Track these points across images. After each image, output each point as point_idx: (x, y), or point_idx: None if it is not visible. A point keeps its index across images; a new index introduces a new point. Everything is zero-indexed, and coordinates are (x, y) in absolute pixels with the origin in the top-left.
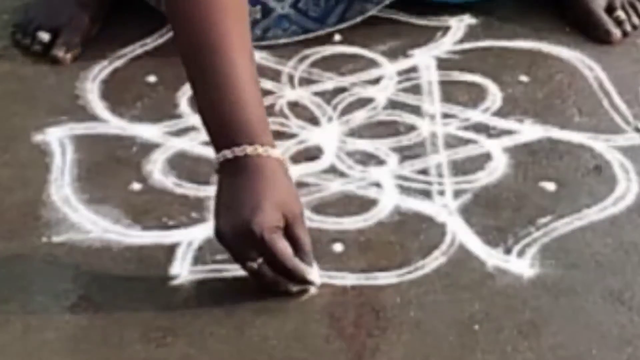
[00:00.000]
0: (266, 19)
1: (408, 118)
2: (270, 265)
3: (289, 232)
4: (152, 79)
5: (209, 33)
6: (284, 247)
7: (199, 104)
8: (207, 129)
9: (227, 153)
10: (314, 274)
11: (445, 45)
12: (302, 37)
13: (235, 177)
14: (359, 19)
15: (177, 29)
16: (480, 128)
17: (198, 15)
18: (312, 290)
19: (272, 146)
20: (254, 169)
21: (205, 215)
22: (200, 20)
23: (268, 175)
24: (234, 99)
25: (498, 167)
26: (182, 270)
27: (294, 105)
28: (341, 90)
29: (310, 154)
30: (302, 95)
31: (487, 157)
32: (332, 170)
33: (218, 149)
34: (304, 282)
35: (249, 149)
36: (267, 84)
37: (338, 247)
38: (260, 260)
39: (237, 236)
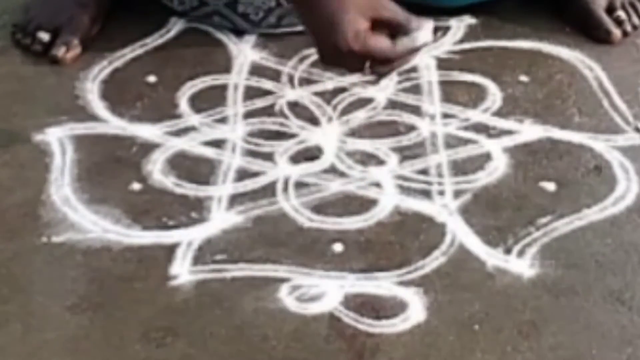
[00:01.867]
0: (281, 6)
1: (408, 118)
2: (383, 62)
3: (380, 22)
4: (152, 79)
5: None
6: (379, 44)
7: None
8: None
9: None
10: (421, 36)
11: (445, 45)
12: None
13: (306, 5)
14: None
15: None
16: (480, 128)
17: None
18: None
19: None
20: None
21: (205, 215)
22: None
23: None
24: None
25: (498, 167)
26: (182, 270)
27: (294, 105)
28: (341, 90)
29: (310, 154)
30: (302, 95)
31: (487, 157)
32: (332, 170)
33: None
34: (417, 50)
35: None
36: (267, 84)
37: (338, 247)
38: (367, 64)
39: (334, 57)
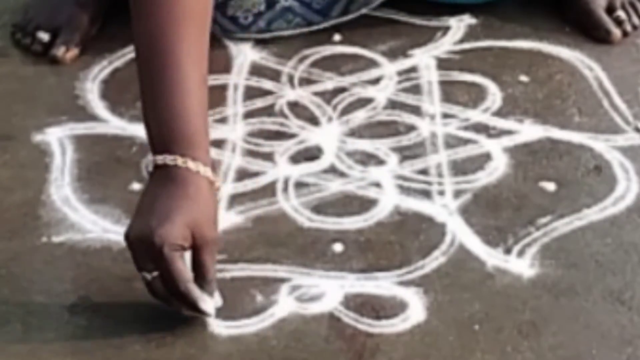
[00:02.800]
0: (270, 11)
1: (408, 118)
2: (163, 283)
3: (195, 256)
4: None
5: (166, 35)
6: (181, 267)
7: (143, 104)
8: (147, 130)
9: (158, 158)
10: (209, 304)
11: (445, 45)
12: (305, 29)
13: (159, 184)
14: (364, 10)
15: (135, 24)
16: (480, 128)
17: (158, 14)
18: (209, 319)
19: (205, 164)
20: (178, 181)
21: None
22: (159, 19)
23: (190, 192)
24: (177, 108)
25: (498, 167)
26: None
27: (294, 105)
28: (341, 90)
29: (310, 154)
30: (302, 95)
31: (487, 157)
32: (332, 170)
33: (152, 149)
34: (196, 309)
35: (179, 160)
36: (267, 84)
37: (338, 247)
38: (155, 274)
39: (139, 242)
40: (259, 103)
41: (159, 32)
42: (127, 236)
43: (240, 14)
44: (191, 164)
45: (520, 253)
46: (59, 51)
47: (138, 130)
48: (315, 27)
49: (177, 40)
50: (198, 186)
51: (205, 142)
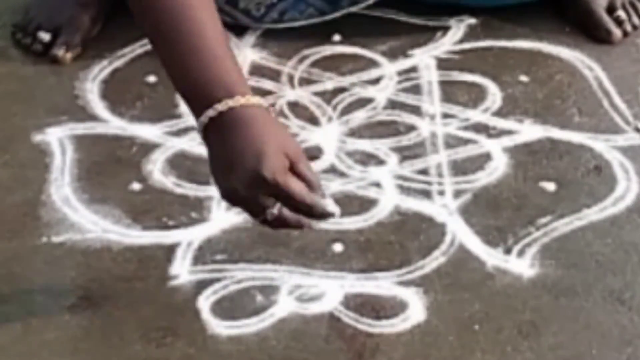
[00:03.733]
0: (283, 2)
1: (408, 118)
2: (289, 207)
3: (295, 172)
4: (152, 79)
5: (176, 4)
6: (299, 186)
7: (170, 71)
8: (183, 95)
9: (210, 112)
10: (332, 205)
11: (445, 45)
12: (318, 19)
13: (226, 132)
14: (371, 1)
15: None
16: (480, 128)
17: None
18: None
19: (251, 94)
20: (243, 119)
21: (205, 215)
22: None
23: (258, 122)
24: (204, 57)
25: (498, 167)
26: (182, 270)
27: (294, 105)
28: (341, 90)
29: (310, 154)
30: (302, 95)
31: (487, 157)
32: (332, 170)
33: (199, 112)
34: (324, 216)
35: (230, 102)
36: (267, 84)
37: (338, 247)
38: (278, 205)
39: (249, 188)
40: None
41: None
42: (231, 193)
43: (253, 6)
44: (242, 100)
45: (520, 253)
46: (60, 51)
47: (138, 130)
48: (328, 17)
49: (188, 6)
50: (260, 115)
51: (242, 76)
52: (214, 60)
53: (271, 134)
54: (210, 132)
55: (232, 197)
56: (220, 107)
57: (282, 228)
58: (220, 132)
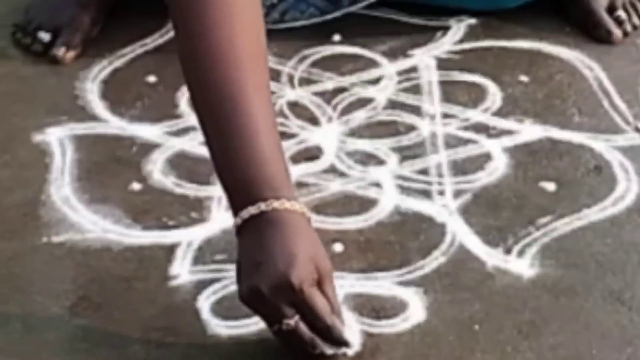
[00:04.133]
0: (284, 1)
1: (408, 118)
2: (307, 322)
3: (320, 289)
4: (152, 79)
5: (229, 82)
6: (323, 302)
7: (217, 161)
8: (226, 187)
9: (252, 209)
10: (349, 335)
11: (445, 45)
12: (319, 19)
13: (263, 231)
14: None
15: (190, 80)
16: (480, 128)
17: (210, 57)
18: (348, 352)
19: (296, 200)
20: (282, 222)
21: (205, 215)
22: (213, 63)
23: (297, 229)
24: (256, 153)
25: (498, 167)
26: (182, 270)
27: (294, 105)
28: (341, 90)
29: (310, 154)
30: (302, 95)
31: (487, 157)
32: (332, 170)
33: (239, 207)
34: (339, 343)
35: (275, 203)
36: None
37: (338, 247)
38: (297, 317)
39: (274, 291)
40: None
41: (220, 80)
42: (254, 293)
43: None
44: (288, 204)
45: (520, 253)
46: (60, 51)
47: (138, 130)
48: (329, 16)
49: (242, 85)
50: (300, 223)
51: (289, 178)
52: (266, 156)
53: (306, 243)
54: (247, 229)
55: (252, 297)
56: (264, 207)
57: (293, 344)
58: (257, 231)
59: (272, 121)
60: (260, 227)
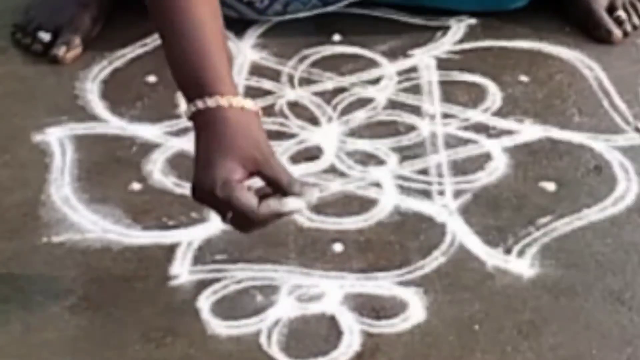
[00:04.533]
0: None
1: (408, 118)
2: (240, 219)
3: (261, 177)
4: (152, 79)
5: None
6: (240, 200)
7: (170, 56)
8: (179, 86)
9: (199, 103)
10: (291, 204)
11: (445, 45)
12: (321, 10)
13: (198, 133)
14: None
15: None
16: (480, 128)
17: None
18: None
19: (232, 94)
20: (210, 122)
21: (205, 215)
22: None
23: (229, 128)
24: (200, 55)
25: (498, 167)
26: (182, 270)
27: (294, 105)
28: (341, 90)
29: (310, 154)
30: (302, 95)
31: (487, 157)
32: (332, 170)
33: (190, 100)
34: (285, 215)
35: (221, 100)
36: (267, 84)
37: (338, 247)
38: (230, 214)
39: (201, 197)
40: (259, 103)
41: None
42: (193, 193)
43: None
44: (221, 100)
45: (520, 253)
46: (60, 51)
47: (138, 130)
48: (331, 8)
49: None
50: (231, 118)
51: (227, 77)
52: (210, 60)
53: (231, 142)
54: (195, 125)
55: (195, 196)
56: (210, 102)
57: (253, 229)
58: (196, 128)
59: (217, 25)
60: (197, 127)
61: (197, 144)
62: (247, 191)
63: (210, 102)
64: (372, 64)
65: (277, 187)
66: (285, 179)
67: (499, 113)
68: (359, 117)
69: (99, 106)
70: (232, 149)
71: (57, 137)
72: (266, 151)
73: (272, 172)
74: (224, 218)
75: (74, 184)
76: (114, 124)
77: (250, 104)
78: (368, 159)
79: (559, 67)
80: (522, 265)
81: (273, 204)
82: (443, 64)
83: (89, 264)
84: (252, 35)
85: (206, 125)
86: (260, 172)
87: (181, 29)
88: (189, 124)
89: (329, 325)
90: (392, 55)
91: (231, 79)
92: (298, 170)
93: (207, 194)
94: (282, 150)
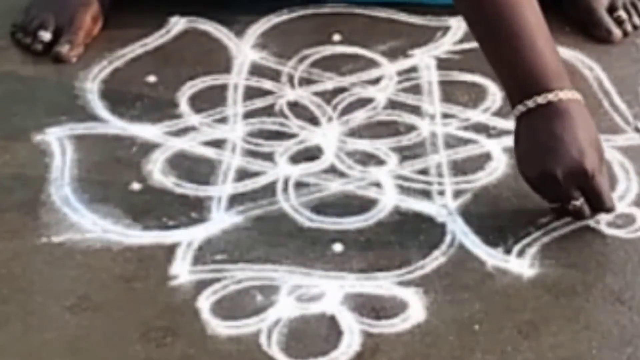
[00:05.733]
0: None
1: (408, 118)
2: (589, 202)
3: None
4: (152, 79)
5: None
6: (607, 186)
7: (500, 62)
8: (508, 81)
9: (539, 99)
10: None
11: (445, 45)
12: None
13: (552, 120)
14: None
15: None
16: (480, 128)
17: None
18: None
19: (572, 89)
20: (569, 112)
21: (205, 215)
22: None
23: (581, 118)
24: (538, 50)
25: (498, 167)
26: (182, 270)
27: (294, 105)
28: (341, 90)
29: (310, 154)
30: (302, 95)
31: (487, 157)
32: (332, 170)
33: (524, 97)
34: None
35: (561, 94)
36: (267, 84)
37: (338, 247)
38: (582, 199)
39: (567, 177)
40: (259, 103)
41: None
42: (546, 178)
43: None
44: (569, 93)
45: (520, 253)
46: (64, 48)
47: (138, 130)
48: None
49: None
50: (580, 111)
51: (565, 73)
52: (547, 56)
53: (589, 132)
54: (532, 117)
55: (543, 181)
56: (550, 97)
57: (564, 213)
58: (546, 119)
59: (543, 24)
60: (549, 116)
61: (551, 129)
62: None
63: (562, 95)
64: (372, 64)
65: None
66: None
67: (499, 113)
68: (359, 117)
69: (99, 106)
70: (594, 139)
71: (57, 137)
72: (603, 147)
73: (605, 171)
74: (568, 202)
75: (74, 184)
76: (114, 124)
77: (580, 97)
78: (368, 159)
79: None
80: (522, 265)
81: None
82: (443, 64)
83: (89, 264)
84: (252, 35)
85: (564, 112)
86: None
87: (513, 32)
88: (189, 124)
89: (329, 325)
90: (392, 55)
91: (565, 74)
92: (298, 170)
93: (582, 175)
94: (282, 150)
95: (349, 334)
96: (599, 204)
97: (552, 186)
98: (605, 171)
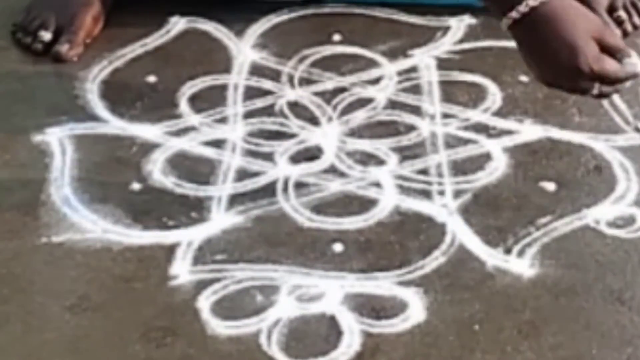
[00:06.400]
0: None
1: (408, 118)
2: (606, 84)
3: (603, 47)
4: (152, 79)
5: None
6: (612, 66)
7: None
8: None
9: (521, 8)
10: (634, 62)
11: (445, 45)
12: None
13: (539, 28)
14: None
15: None
16: (480, 128)
17: None
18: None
19: None
20: (554, 13)
21: (205, 215)
22: None
23: (567, 12)
24: None
25: (498, 167)
26: (182, 270)
27: (294, 105)
28: (341, 90)
29: (310, 154)
30: (302, 95)
31: (487, 157)
32: (332, 170)
33: (508, 8)
34: (635, 76)
35: (530, 1)
36: (267, 84)
37: (338, 247)
38: (597, 85)
39: (569, 80)
40: (259, 103)
41: None
42: (553, 80)
43: None
44: None
45: (520, 253)
46: (63, 48)
47: (138, 130)
48: None
49: None
50: (561, 6)
51: None
52: None
53: (577, 23)
54: (522, 27)
55: (552, 83)
56: (532, 2)
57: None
58: (533, 28)
59: None
60: (535, 24)
61: (541, 38)
62: (608, 58)
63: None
64: (372, 64)
65: (617, 51)
66: (621, 41)
67: (499, 113)
68: (359, 117)
69: (99, 106)
70: (585, 29)
71: (57, 137)
72: (600, 21)
73: (613, 39)
74: (587, 91)
75: (74, 184)
76: (114, 124)
77: None
78: (368, 159)
79: None
80: (522, 265)
81: (629, 64)
82: (443, 64)
83: (89, 264)
84: (252, 35)
85: (546, 19)
86: (605, 42)
87: None
88: (189, 124)
89: (329, 325)
90: (392, 55)
91: None
92: (298, 170)
93: (578, 74)
94: (282, 150)
95: (349, 334)
96: (613, 81)
97: (564, 88)
98: (611, 35)
